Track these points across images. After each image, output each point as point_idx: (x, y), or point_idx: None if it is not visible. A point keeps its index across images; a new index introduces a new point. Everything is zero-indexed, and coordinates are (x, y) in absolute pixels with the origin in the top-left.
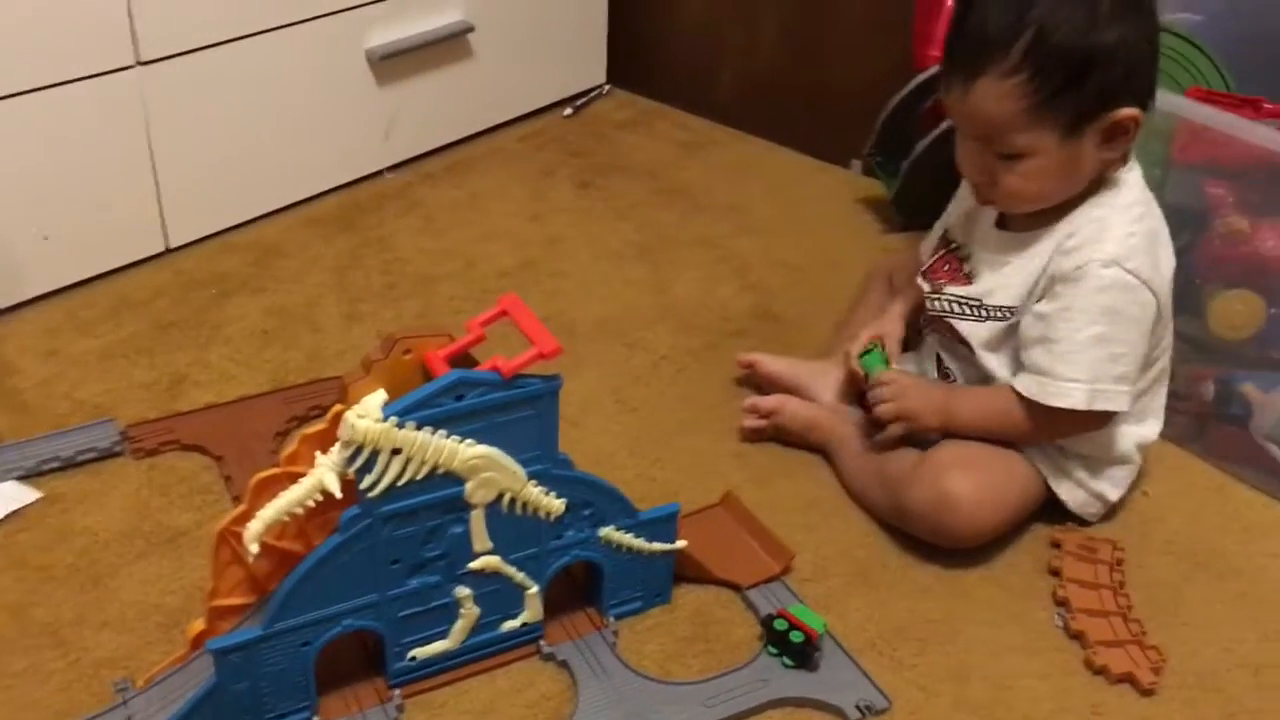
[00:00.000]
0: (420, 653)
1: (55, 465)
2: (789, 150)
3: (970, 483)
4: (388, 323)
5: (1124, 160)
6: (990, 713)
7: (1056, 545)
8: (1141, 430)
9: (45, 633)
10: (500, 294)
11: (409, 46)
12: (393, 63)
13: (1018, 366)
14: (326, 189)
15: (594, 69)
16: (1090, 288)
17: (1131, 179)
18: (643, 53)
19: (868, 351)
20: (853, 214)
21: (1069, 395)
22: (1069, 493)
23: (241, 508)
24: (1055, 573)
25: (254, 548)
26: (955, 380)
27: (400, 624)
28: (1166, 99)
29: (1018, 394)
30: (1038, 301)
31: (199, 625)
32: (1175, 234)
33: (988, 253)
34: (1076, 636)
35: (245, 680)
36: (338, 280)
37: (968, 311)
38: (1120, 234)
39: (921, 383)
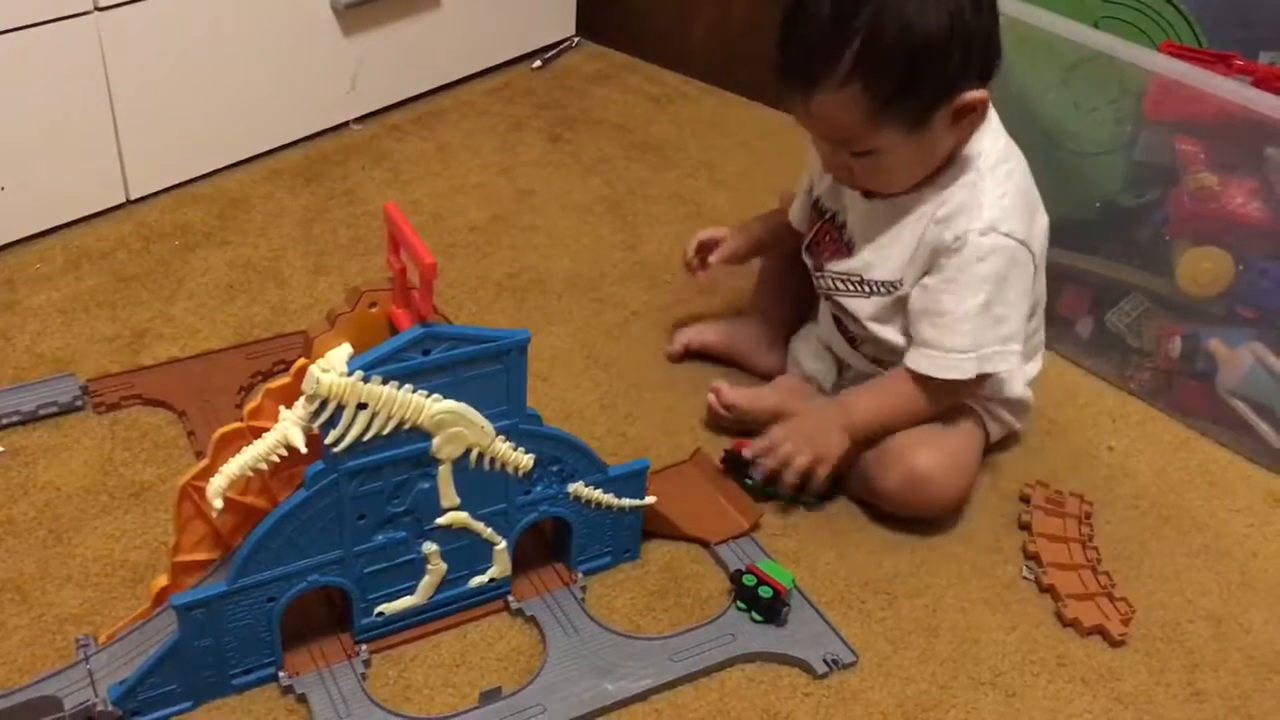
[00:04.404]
0: (387, 608)
1: (15, 419)
2: (761, 105)
3: (937, 458)
4: (353, 276)
5: (982, 118)
6: (958, 665)
7: (1025, 500)
8: (1028, 369)
9: (7, 588)
10: (462, 244)
11: None
12: (358, 11)
13: (908, 334)
14: (291, 140)
15: (563, 20)
16: (971, 257)
17: (987, 142)
18: (613, 4)
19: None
20: None
21: (959, 368)
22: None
23: (204, 462)
24: (1025, 527)
25: (217, 503)
26: (860, 342)
27: (367, 580)
28: (1139, 54)
29: (910, 372)
30: (922, 274)
31: (162, 580)
32: (1145, 189)
33: (860, 223)
34: (1047, 590)
35: (209, 636)
36: (303, 233)
37: (850, 288)
38: (992, 197)
39: (799, 407)
